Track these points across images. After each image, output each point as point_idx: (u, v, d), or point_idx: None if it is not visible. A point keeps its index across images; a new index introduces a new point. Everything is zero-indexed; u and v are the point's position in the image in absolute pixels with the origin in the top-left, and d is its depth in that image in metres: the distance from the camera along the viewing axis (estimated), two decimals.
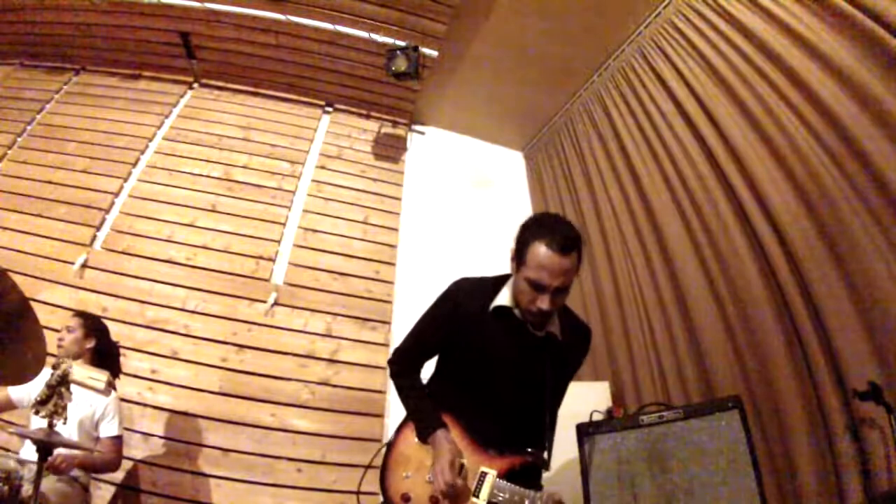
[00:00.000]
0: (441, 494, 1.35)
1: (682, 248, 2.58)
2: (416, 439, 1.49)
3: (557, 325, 1.47)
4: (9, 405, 2.12)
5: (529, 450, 1.43)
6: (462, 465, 1.40)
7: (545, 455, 1.43)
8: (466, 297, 1.50)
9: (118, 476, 2.45)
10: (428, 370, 1.64)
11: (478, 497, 1.37)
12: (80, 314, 2.34)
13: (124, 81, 3.95)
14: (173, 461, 2.59)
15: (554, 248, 1.30)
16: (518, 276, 1.39)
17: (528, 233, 1.38)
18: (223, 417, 2.75)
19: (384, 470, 1.48)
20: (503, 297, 1.46)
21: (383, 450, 1.56)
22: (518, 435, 1.45)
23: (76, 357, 2.17)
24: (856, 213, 1.85)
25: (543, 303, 1.33)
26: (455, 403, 1.49)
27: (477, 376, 1.47)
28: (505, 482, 1.37)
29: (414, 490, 1.42)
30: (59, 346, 2.19)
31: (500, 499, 1.35)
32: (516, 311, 1.43)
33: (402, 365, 1.60)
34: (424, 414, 1.50)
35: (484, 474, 1.40)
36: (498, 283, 1.50)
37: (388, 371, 1.64)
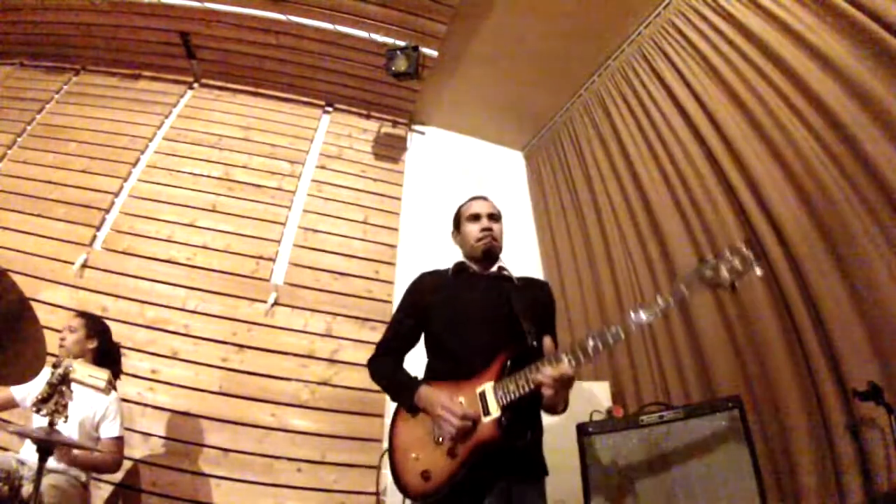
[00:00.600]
0: (456, 438, 1.33)
1: (682, 248, 2.58)
2: (407, 415, 1.49)
3: (510, 270, 1.68)
4: (11, 403, 2.12)
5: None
6: (460, 402, 1.38)
7: (529, 339, 1.44)
8: (428, 277, 1.74)
9: (118, 476, 2.45)
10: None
11: (489, 413, 1.34)
12: (82, 314, 2.34)
13: (124, 81, 3.95)
14: (173, 461, 2.59)
15: (474, 198, 1.76)
16: (462, 231, 1.72)
17: (458, 209, 1.79)
18: (223, 417, 2.75)
19: (394, 470, 1.44)
20: (456, 262, 1.71)
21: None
22: (499, 347, 1.45)
23: (77, 357, 2.17)
24: (856, 213, 1.86)
25: (483, 222, 1.66)
26: (442, 366, 1.56)
27: (451, 328, 1.56)
28: (503, 381, 1.37)
29: (429, 463, 1.38)
30: (61, 346, 2.18)
31: (511, 396, 1.34)
32: (472, 266, 1.68)
33: (376, 354, 1.68)
34: (401, 384, 1.54)
35: (482, 392, 1.38)
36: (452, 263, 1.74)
37: (372, 357, 1.70)
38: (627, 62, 3.17)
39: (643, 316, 1.30)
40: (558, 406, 1.41)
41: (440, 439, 1.37)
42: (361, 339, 3.15)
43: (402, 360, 1.67)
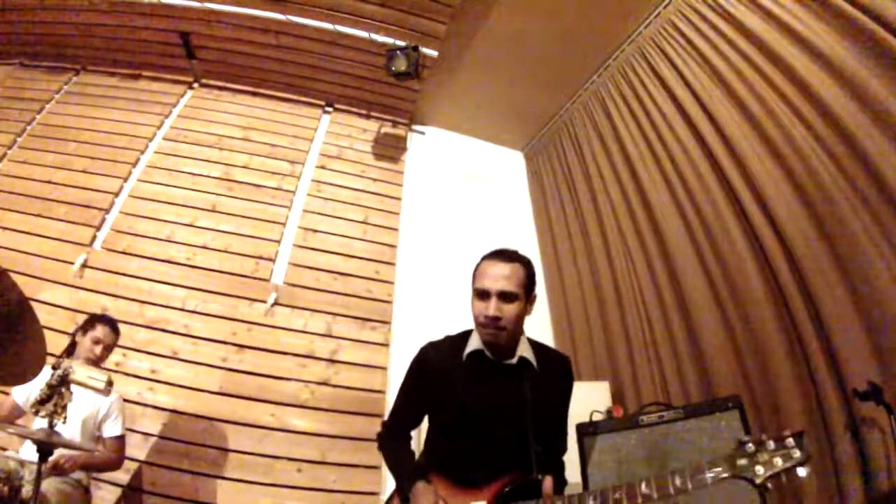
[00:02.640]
0: None
1: (682, 248, 2.58)
2: (399, 500, 1.44)
3: (531, 353, 1.45)
4: (19, 410, 2.12)
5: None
6: None
7: (535, 468, 1.35)
8: (435, 358, 1.51)
9: (119, 476, 2.45)
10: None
11: None
12: (112, 324, 2.29)
13: (124, 81, 3.95)
14: (173, 461, 2.59)
15: (491, 257, 1.42)
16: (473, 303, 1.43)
17: (478, 261, 1.47)
18: (223, 417, 2.75)
19: None
20: (473, 343, 1.46)
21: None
22: (504, 463, 1.38)
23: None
24: (856, 213, 1.85)
25: (489, 308, 1.35)
26: (443, 458, 1.47)
27: (458, 426, 1.45)
28: None
29: None
30: (96, 359, 2.18)
31: None
32: (487, 353, 1.43)
33: (386, 434, 1.61)
34: (402, 470, 1.48)
35: None
36: (464, 335, 1.51)
37: (381, 432, 1.63)
38: (627, 62, 3.17)
39: (653, 494, 1.11)
40: None
41: None
42: (361, 339, 3.16)
43: (408, 438, 1.62)
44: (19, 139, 3.56)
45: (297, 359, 3.00)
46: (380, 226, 3.64)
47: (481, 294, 1.39)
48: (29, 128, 3.62)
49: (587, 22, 3.18)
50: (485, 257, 1.45)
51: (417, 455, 1.62)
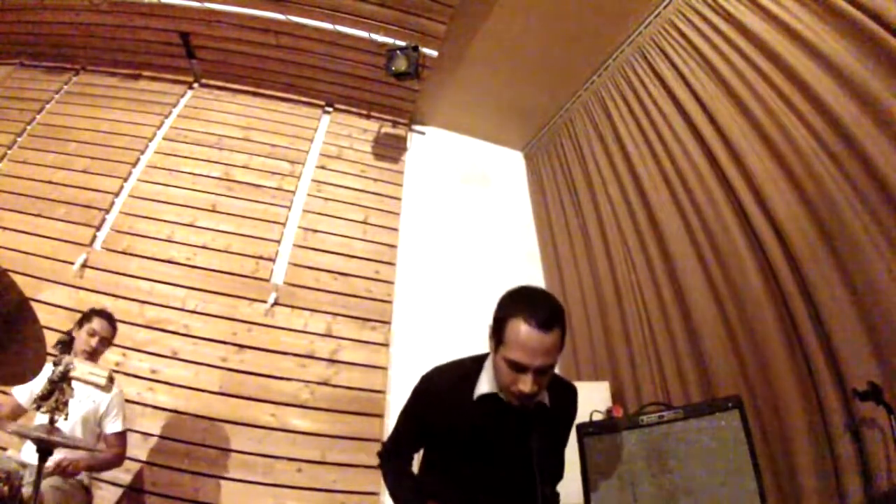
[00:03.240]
0: None
1: (682, 248, 2.58)
2: None
3: (545, 393, 1.34)
4: (20, 409, 2.12)
5: None
6: None
7: None
8: (442, 389, 1.42)
9: (119, 476, 2.46)
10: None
11: None
12: (108, 318, 2.29)
13: (124, 81, 3.95)
14: (173, 461, 2.59)
15: (533, 325, 1.18)
16: (497, 356, 1.27)
17: (506, 309, 1.26)
18: (223, 417, 2.75)
19: None
20: (485, 384, 1.35)
21: None
22: (507, 501, 1.36)
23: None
24: (856, 213, 1.85)
25: (525, 385, 1.20)
26: (444, 487, 1.42)
27: (463, 463, 1.40)
28: None
29: None
30: (92, 352, 2.17)
31: None
32: (501, 395, 1.32)
33: (387, 456, 1.56)
34: (403, 495, 1.44)
35: None
36: (475, 366, 1.40)
37: (382, 453, 1.59)
38: (627, 62, 3.17)
39: None
40: None
41: None
42: (361, 339, 3.16)
43: (410, 460, 1.57)
44: (19, 139, 3.56)
45: (297, 359, 3.00)
46: (380, 226, 3.64)
47: (517, 367, 1.21)
48: (29, 128, 3.62)
49: (587, 22, 3.18)
50: (520, 316, 1.21)
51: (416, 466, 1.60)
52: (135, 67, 3.98)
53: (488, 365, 1.36)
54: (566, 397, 1.46)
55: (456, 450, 1.40)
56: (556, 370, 1.33)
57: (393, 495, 1.46)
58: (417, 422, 1.47)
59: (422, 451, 1.58)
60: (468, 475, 1.39)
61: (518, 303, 1.25)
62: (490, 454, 1.36)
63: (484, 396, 1.33)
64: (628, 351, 2.82)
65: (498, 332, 1.26)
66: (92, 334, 2.19)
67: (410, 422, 1.49)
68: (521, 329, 1.19)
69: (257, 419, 2.78)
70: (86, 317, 2.25)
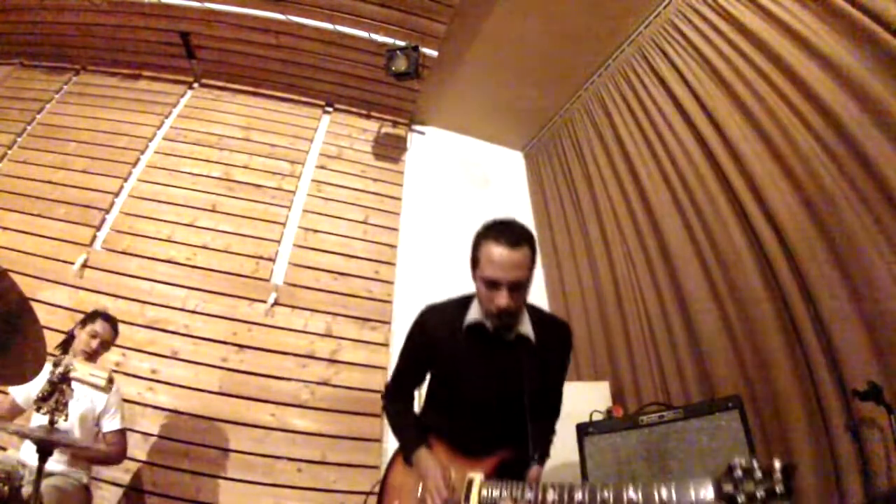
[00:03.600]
0: None
1: (682, 248, 2.58)
2: (403, 464, 1.52)
3: (529, 327, 1.47)
4: (17, 409, 2.12)
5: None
6: (449, 478, 1.41)
7: (531, 448, 1.42)
8: (435, 323, 1.54)
9: (119, 476, 2.46)
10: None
11: (468, 502, 1.37)
12: (111, 321, 2.29)
13: (124, 81, 3.95)
14: (173, 461, 2.59)
15: (503, 243, 1.34)
16: (476, 280, 1.42)
17: (480, 236, 1.42)
18: (223, 417, 2.75)
19: None
20: (472, 314, 1.47)
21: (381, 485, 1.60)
22: (501, 436, 1.44)
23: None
24: (856, 213, 1.85)
25: (501, 299, 1.34)
26: (441, 424, 1.53)
27: (456, 394, 1.51)
28: (492, 480, 1.38)
29: None
30: (89, 353, 2.17)
31: (491, 497, 1.36)
32: (487, 324, 1.44)
33: (390, 396, 1.68)
34: (406, 435, 1.55)
35: (471, 480, 1.40)
36: (464, 302, 1.52)
37: (384, 395, 1.72)
38: (627, 62, 3.17)
39: (639, 500, 1.16)
40: None
41: (424, 502, 1.40)
42: (361, 339, 3.16)
43: (412, 400, 1.68)
44: (19, 139, 3.56)
45: (297, 359, 3.00)
46: (380, 226, 3.64)
47: (492, 284, 1.35)
48: (29, 128, 3.62)
49: (587, 22, 3.18)
50: (490, 238, 1.37)
51: (418, 404, 1.70)
52: (135, 67, 3.98)
53: (476, 301, 1.49)
54: (556, 333, 1.55)
55: (451, 383, 1.52)
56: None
57: (395, 431, 1.60)
58: (414, 356, 1.59)
59: (424, 396, 1.67)
60: (463, 410, 1.49)
61: (489, 228, 1.41)
62: (482, 388, 1.46)
63: (473, 327, 1.46)
64: (628, 351, 2.82)
65: (474, 257, 1.42)
66: (93, 336, 2.19)
67: (408, 357, 1.62)
68: (492, 248, 1.35)
69: (257, 419, 2.78)
70: (90, 317, 2.25)
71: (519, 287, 1.36)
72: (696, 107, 2.60)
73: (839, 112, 1.93)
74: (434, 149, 4.22)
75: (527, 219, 4.14)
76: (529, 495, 1.27)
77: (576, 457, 1.96)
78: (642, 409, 2.11)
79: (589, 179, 3.43)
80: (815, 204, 1.99)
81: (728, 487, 1.05)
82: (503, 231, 1.38)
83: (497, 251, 1.34)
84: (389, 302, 3.34)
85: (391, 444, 2.09)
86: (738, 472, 1.05)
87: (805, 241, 2.00)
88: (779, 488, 1.01)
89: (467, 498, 1.37)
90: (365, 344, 3.14)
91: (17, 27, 3.85)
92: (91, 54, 3.94)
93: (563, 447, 2.04)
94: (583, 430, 1.99)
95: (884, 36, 1.84)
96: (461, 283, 1.59)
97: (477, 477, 1.39)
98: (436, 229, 3.73)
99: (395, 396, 1.67)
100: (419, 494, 1.43)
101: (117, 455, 2.19)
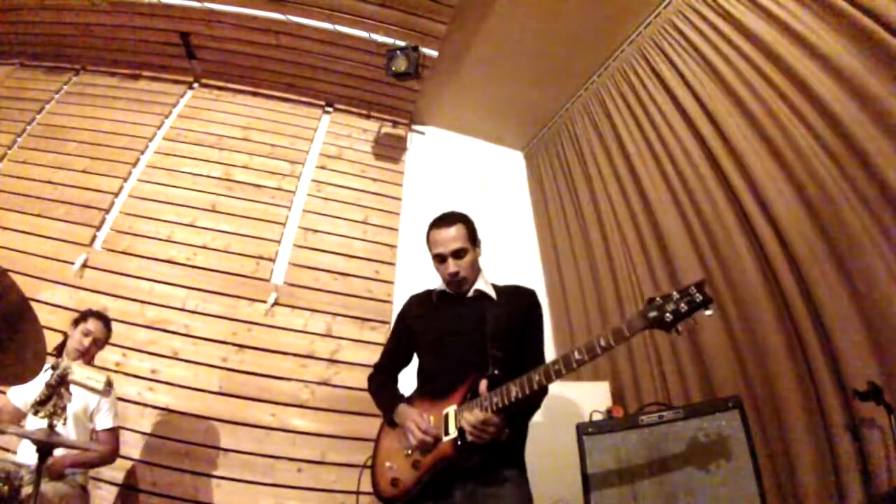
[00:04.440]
0: (420, 450, 1.49)
1: (682, 248, 2.58)
2: (389, 428, 1.64)
3: (490, 288, 1.71)
4: (18, 413, 2.11)
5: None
6: (429, 420, 1.52)
7: (490, 370, 1.52)
8: (413, 302, 1.85)
9: (118, 476, 2.46)
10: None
11: (447, 434, 1.47)
12: (104, 320, 2.29)
13: (124, 81, 3.95)
14: (173, 461, 2.59)
15: (438, 226, 1.72)
16: (434, 263, 1.74)
17: (427, 232, 1.77)
18: (223, 417, 2.75)
19: (372, 473, 1.62)
20: (439, 286, 1.78)
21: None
22: (468, 370, 1.55)
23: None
24: (856, 213, 1.85)
25: (449, 267, 1.66)
26: (423, 381, 1.72)
27: (430, 350, 1.71)
28: (463, 406, 1.48)
29: (398, 472, 1.54)
30: (84, 352, 2.17)
31: (465, 419, 1.44)
32: (449, 290, 1.73)
33: (374, 372, 1.86)
34: (385, 398, 1.72)
35: (447, 414, 1.51)
36: (437, 284, 1.81)
37: (370, 376, 1.86)
38: (627, 62, 3.17)
39: (584, 357, 1.31)
40: (501, 435, 1.44)
41: (409, 451, 1.53)
42: (361, 339, 3.16)
43: (395, 378, 1.85)
44: (19, 139, 3.56)
45: (297, 359, 3.00)
46: (380, 226, 3.64)
47: (438, 257, 1.70)
48: (29, 128, 3.62)
49: (587, 22, 3.18)
50: (431, 227, 1.74)
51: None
52: (135, 67, 3.98)
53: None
54: (519, 294, 1.74)
55: (425, 340, 1.73)
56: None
57: (379, 403, 1.75)
58: (400, 331, 1.84)
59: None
60: (437, 359, 1.67)
61: (431, 222, 1.77)
62: (448, 332, 1.66)
63: (440, 294, 1.75)
64: (628, 351, 2.82)
65: (428, 248, 1.75)
66: (86, 334, 2.19)
67: (395, 334, 1.87)
68: (432, 232, 1.74)
69: (257, 419, 2.78)
70: (82, 317, 2.25)
71: (459, 254, 1.67)
72: (696, 107, 2.60)
73: (839, 112, 1.94)
74: (434, 149, 4.22)
75: (527, 219, 4.15)
76: (496, 399, 1.41)
77: (576, 457, 1.96)
78: (642, 409, 2.11)
79: (589, 179, 3.43)
80: (815, 204, 1.99)
81: (653, 314, 1.22)
82: (439, 218, 1.75)
83: (434, 233, 1.72)
84: (389, 302, 3.34)
85: None
86: (658, 301, 1.24)
87: (805, 241, 2.00)
88: (697, 298, 1.20)
89: (447, 431, 1.48)
90: (365, 344, 3.14)
91: (17, 27, 3.85)
92: (91, 54, 3.94)
93: (564, 447, 2.04)
94: (583, 430, 1.99)
95: (884, 36, 1.84)
96: None
97: (451, 409, 1.51)
98: None
99: (377, 375, 1.83)
100: (405, 447, 1.53)
101: (110, 454, 2.18)
